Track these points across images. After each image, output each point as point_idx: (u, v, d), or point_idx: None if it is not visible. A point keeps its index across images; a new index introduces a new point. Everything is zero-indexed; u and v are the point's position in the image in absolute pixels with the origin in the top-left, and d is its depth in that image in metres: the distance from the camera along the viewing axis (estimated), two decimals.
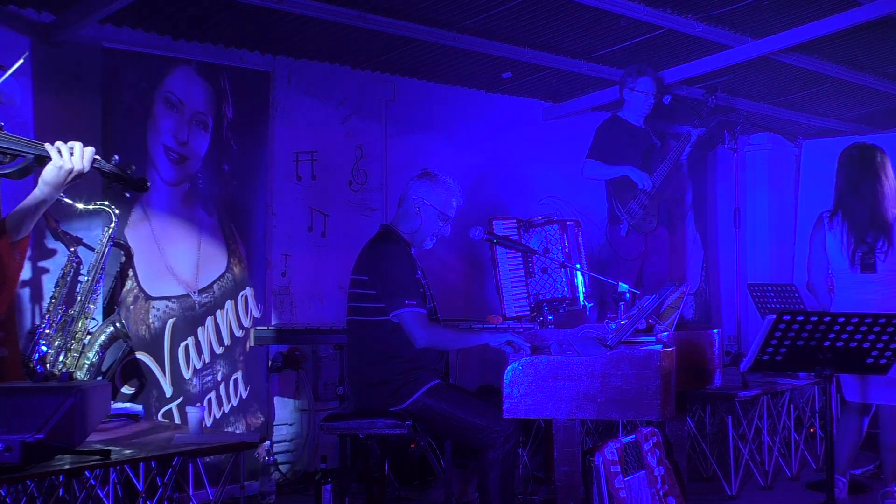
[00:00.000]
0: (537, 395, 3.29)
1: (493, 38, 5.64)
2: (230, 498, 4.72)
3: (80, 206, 4.49)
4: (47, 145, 2.86)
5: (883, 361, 3.60)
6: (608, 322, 4.47)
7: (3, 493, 3.44)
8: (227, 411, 5.19)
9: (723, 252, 8.54)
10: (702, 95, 6.35)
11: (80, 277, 4.53)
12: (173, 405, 4.95)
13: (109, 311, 4.83)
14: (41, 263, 4.86)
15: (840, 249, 4.70)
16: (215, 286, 5.19)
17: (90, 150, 2.89)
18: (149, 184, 3.24)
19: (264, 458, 5.24)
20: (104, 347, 4.62)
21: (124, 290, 4.86)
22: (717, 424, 5.93)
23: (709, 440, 5.74)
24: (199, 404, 4.85)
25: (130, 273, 4.88)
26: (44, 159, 2.88)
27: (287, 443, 5.66)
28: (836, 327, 3.48)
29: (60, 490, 3.91)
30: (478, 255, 6.60)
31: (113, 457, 3.12)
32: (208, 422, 5.03)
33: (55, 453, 2.93)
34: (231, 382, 5.21)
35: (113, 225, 4.56)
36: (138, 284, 4.90)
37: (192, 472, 4.26)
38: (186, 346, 5.05)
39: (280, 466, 5.46)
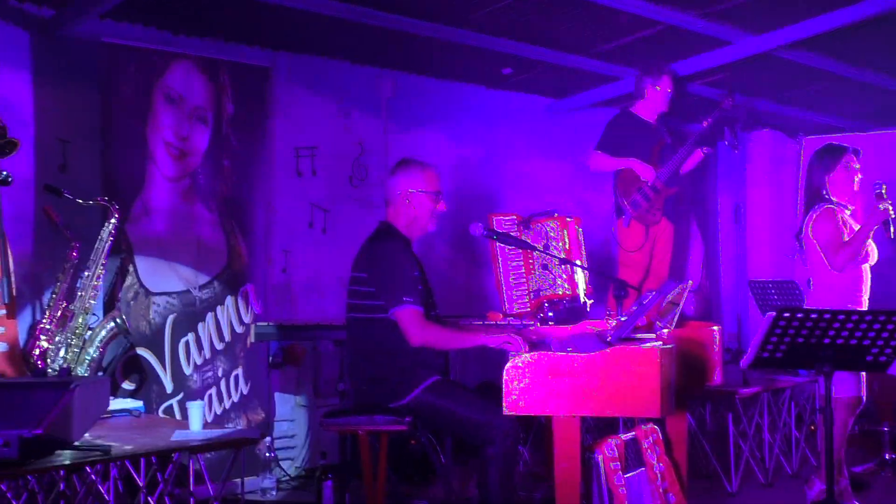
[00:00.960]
0: (537, 392, 3.28)
1: (494, 34, 5.63)
2: (231, 494, 4.72)
3: (81, 201, 4.48)
4: None
5: (883, 359, 3.59)
6: (608, 319, 4.48)
7: (4, 489, 3.44)
8: (227, 407, 5.19)
9: (724, 248, 8.54)
10: (718, 96, 6.32)
11: (81, 273, 4.52)
12: (174, 401, 4.95)
13: (110, 306, 4.82)
14: (42, 258, 4.87)
15: None
16: (215, 282, 5.19)
17: None
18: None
19: (265, 454, 5.24)
20: (105, 343, 4.61)
21: (125, 285, 4.86)
22: (717, 422, 5.92)
23: (709, 437, 5.73)
24: (199, 400, 4.85)
25: (130, 269, 4.88)
26: None
27: (288, 439, 5.66)
28: (836, 325, 3.47)
29: (61, 485, 3.92)
30: (478, 251, 6.59)
31: (113, 452, 3.12)
32: (209, 417, 5.03)
33: (53, 448, 2.93)
34: (231, 378, 5.21)
35: (113, 220, 4.55)
36: (138, 280, 4.90)
37: (192, 468, 4.26)
38: (187, 342, 5.05)
39: (281, 462, 5.46)
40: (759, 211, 8.20)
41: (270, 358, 5.49)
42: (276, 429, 5.55)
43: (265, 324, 5.27)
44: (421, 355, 3.91)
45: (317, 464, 5.48)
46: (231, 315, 5.23)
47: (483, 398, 3.84)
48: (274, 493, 5.18)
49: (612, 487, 3.60)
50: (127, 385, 4.83)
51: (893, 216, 4.49)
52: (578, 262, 5.11)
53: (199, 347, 5.09)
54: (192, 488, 3.71)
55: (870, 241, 4.62)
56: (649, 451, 3.92)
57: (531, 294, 5.23)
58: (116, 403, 4.11)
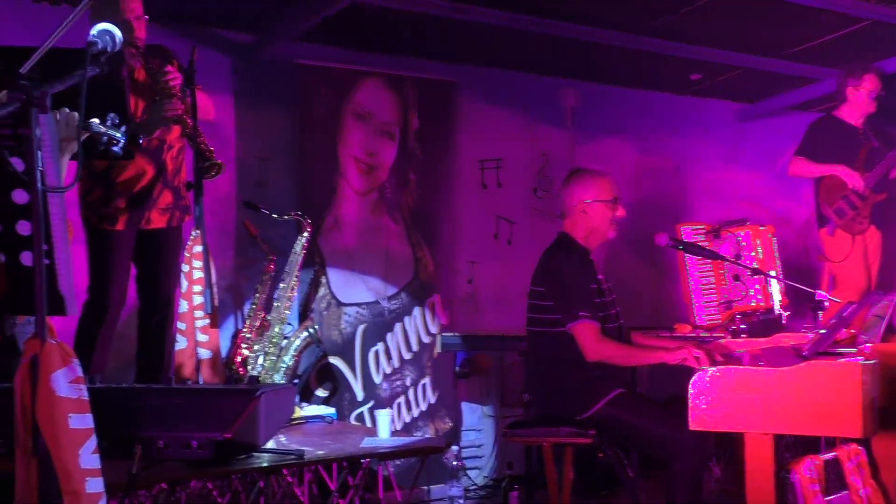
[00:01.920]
0: (725, 407, 3.16)
1: (681, 40, 5.50)
2: (419, 501, 4.81)
3: (276, 216, 4.72)
4: None
5: None
6: (805, 332, 4.26)
7: (210, 487, 3.65)
8: (416, 416, 5.30)
9: None
10: None
11: (277, 284, 4.75)
12: (364, 408, 5.11)
13: (304, 316, 5.03)
14: (242, 270, 5.14)
15: None
16: (403, 293, 5.32)
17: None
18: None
19: (452, 462, 5.31)
20: (299, 352, 4.82)
21: (317, 296, 5.06)
22: None
23: None
24: (387, 408, 4.97)
25: (323, 280, 5.07)
26: None
27: (475, 448, 5.71)
28: None
29: (261, 483, 4.12)
30: (666, 262, 6.43)
31: (306, 457, 3.26)
32: (398, 425, 5.15)
33: (241, 452, 3.10)
34: (419, 387, 5.32)
35: (306, 234, 4.76)
36: (330, 291, 5.09)
37: (381, 474, 4.37)
38: (376, 352, 5.20)
39: (468, 472, 5.52)
40: None
41: (457, 368, 5.56)
42: (464, 438, 5.61)
43: (451, 334, 5.35)
44: (604, 368, 3.85)
45: (503, 474, 5.50)
46: (418, 325, 5.35)
47: (669, 412, 3.73)
48: (461, 501, 5.22)
49: None
50: (320, 392, 5.01)
51: None
52: (773, 273, 4.91)
53: (388, 357, 5.23)
54: (380, 494, 3.80)
55: None
56: (853, 473, 3.69)
57: (722, 305, 5.07)
58: (310, 410, 4.29)
